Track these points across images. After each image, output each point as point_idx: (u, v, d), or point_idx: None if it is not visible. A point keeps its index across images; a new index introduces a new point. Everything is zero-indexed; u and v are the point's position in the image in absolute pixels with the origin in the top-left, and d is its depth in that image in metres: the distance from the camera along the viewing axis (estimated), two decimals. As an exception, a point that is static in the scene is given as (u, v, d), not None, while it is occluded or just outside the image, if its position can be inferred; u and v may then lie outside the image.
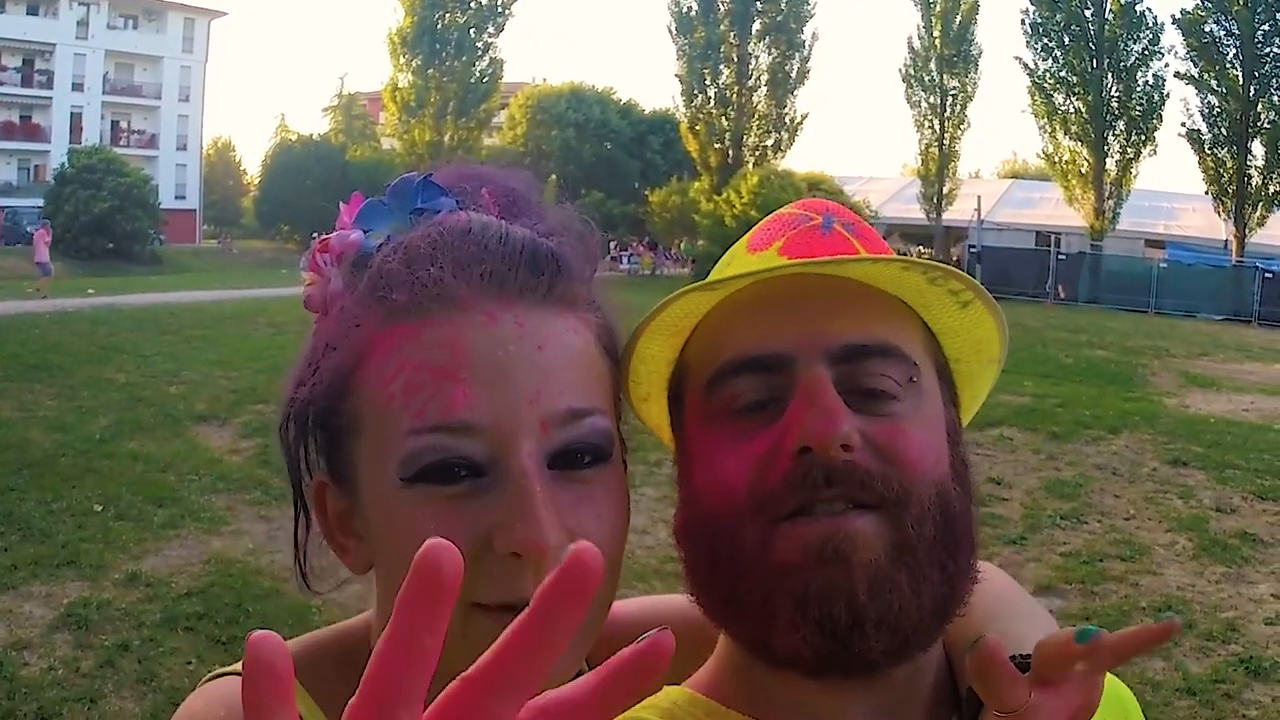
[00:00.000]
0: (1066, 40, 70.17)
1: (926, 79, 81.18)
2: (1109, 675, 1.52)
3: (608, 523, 1.50)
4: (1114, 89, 69.47)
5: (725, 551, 1.43)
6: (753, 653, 1.47)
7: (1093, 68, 69.43)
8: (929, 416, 1.46)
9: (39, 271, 46.87)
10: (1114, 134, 69.53)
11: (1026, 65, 72.29)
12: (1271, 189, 64.00)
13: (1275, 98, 64.00)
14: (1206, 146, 65.97)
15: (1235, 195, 64.65)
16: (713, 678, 1.58)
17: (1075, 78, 69.99)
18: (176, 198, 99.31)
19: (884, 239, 1.63)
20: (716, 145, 79.62)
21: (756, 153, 79.98)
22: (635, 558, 12.03)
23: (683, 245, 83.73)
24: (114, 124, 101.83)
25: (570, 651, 1.44)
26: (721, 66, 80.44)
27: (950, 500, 1.43)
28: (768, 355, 1.43)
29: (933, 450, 1.44)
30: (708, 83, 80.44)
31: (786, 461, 1.38)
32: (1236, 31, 63.96)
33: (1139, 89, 69.32)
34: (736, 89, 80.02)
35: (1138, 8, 68.98)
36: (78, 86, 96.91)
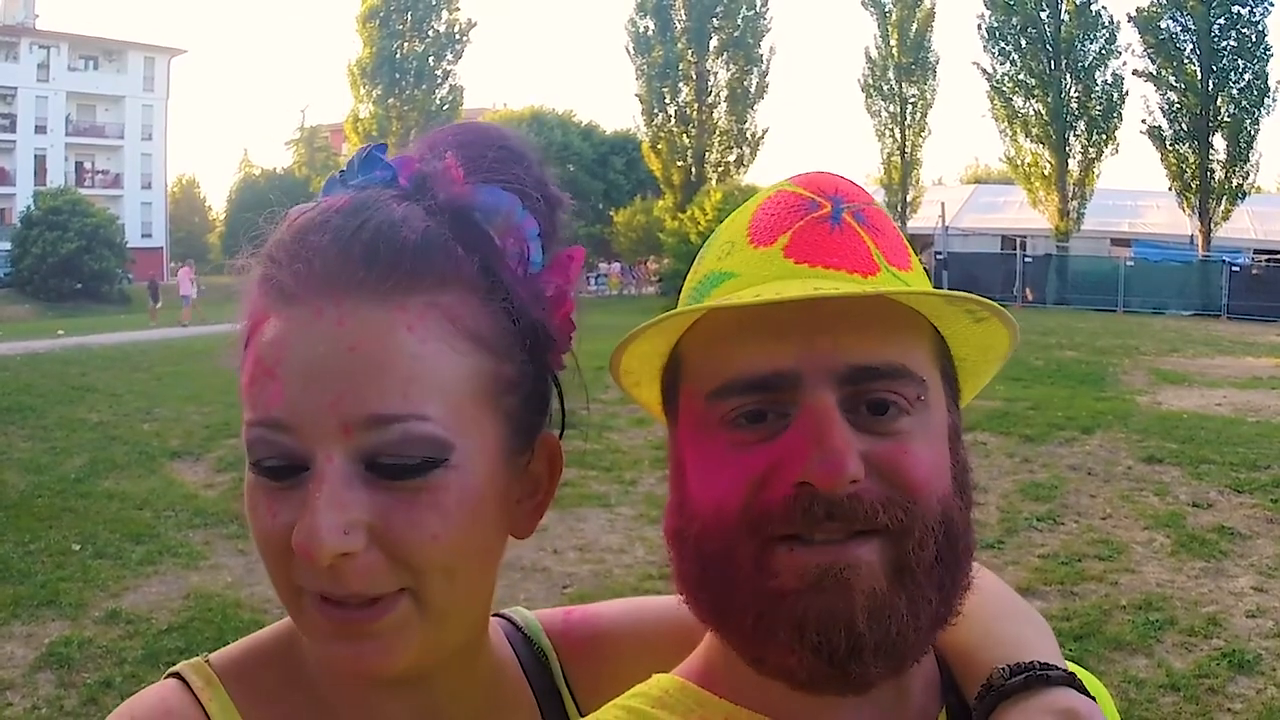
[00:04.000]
0: (1023, 43, 70.58)
1: (885, 88, 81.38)
2: (1088, 676, 1.55)
3: (425, 529, 1.43)
4: (1073, 90, 69.88)
5: (717, 566, 1.39)
6: (743, 659, 1.43)
7: (1051, 69, 69.79)
8: (933, 431, 1.42)
9: (182, 303, 54.67)
10: (1075, 134, 69.90)
11: (985, 70, 72.70)
12: (1234, 182, 64.51)
13: (1234, 91, 64.55)
14: (1168, 143, 66.32)
15: (1199, 190, 65.03)
16: (703, 666, 1.55)
17: (1034, 80, 70.37)
18: (143, 236, 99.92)
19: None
20: (679, 163, 79.95)
21: (719, 169, 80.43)
22: (614, 576, 12.15)
23: (649, 263, 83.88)
24: (78, 165, 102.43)
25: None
26: (681, 84, 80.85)
27: (953, 516, 1.39)
28: (773, 374, 1.37)
29: (938, 467, 1.40)
30: (668, 101, 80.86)
31: (785, 489, 1.33)
32: (1192, 27, 64.44)
33: (1098, 88, 69.68)
34: (696, 106, 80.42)
35: (1093, 7, 69.44)
36: (41, 129, 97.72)
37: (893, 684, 1.42)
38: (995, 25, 71.44)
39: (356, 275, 1.43)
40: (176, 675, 1.62)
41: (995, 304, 1.45)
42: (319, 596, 1.43)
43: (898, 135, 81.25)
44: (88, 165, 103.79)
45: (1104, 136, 69.64)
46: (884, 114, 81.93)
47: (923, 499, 1.35)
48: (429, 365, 1.45)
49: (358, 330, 1.41)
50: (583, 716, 1.70)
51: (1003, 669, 1.46)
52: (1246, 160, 64.52)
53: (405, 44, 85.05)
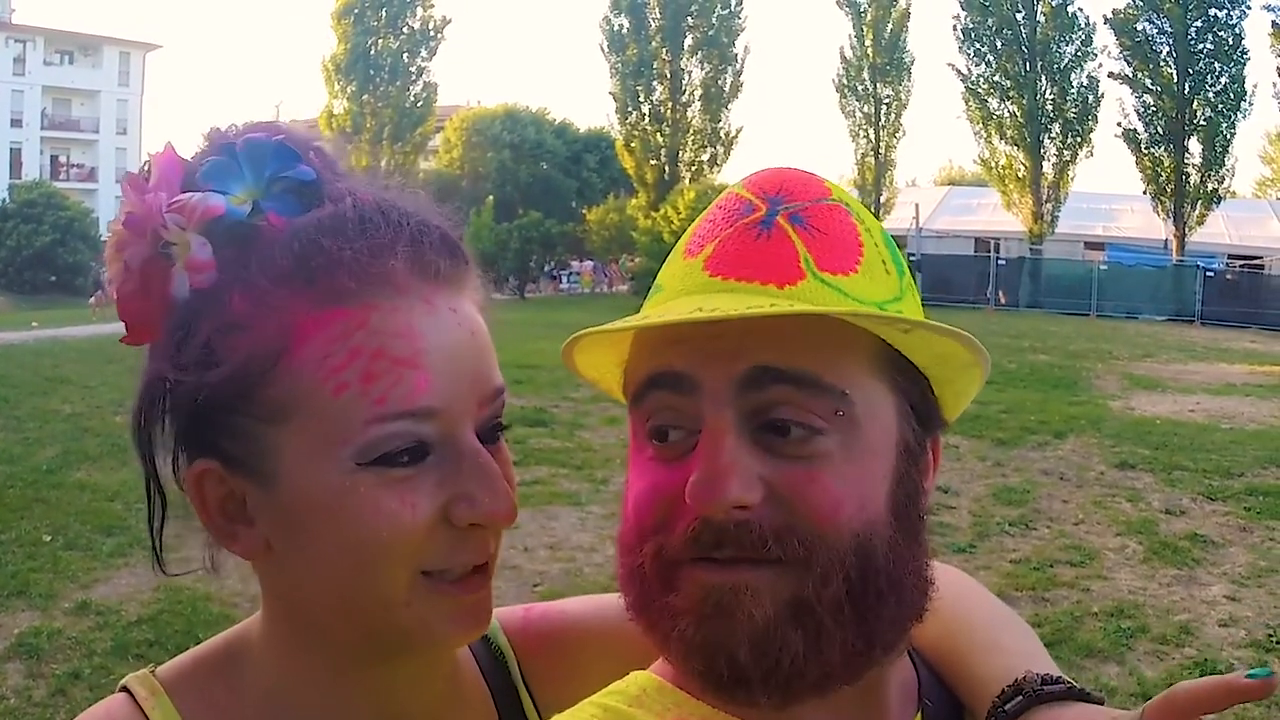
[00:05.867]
0: (999, 44, 70.81)
1: (860, 88, 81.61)
2: None
3: (512, 488, 1.57)
4: (1048, 92, 70.11)
5: (633, 578, 1.41)
6: None
7: (1026, 71, 70.03)
8: (862, 450, 1.34)
9: None
10: (1050, 137, 70.14)
11: (960, 71, 72.94)
12: (1209, 186, 64.86)
13: (1210, 94, 64.88)
14: (1143, 146, 66.66)
15: (1174, 194, 65.34)
16: None
17: (1009, 82, 70.58)
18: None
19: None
20: (652, 162, 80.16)
21: (692, 168, 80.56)
22: (584, 575, 12.21)
23: (620, 262, 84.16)
24: (53, 158, 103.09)
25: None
26: (655, 83, 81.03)
27: (874, 550, 1.33)
28: (671, 372, 1.35)
29: (856, 496, 1.33)
30: (641, 100, 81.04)
31: (689, 513, 1.32)
32: (1169, 29, 64.72)
33: (1073, 91, 69.96)
34: (670, 105, 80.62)
35: (1069, 9, 69.70)
36: (16, 122, 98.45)
37: (864, 690, 1.40)
38: (970, 26, 71.69)
39: (447, 268, 1.56)
40: (125, 689, 1.63)
41: (911, 317, 1.35)
42: (439, 577, 1.52)
43: (872, 136, 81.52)
44: (63, 159, 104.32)
45: (1079, 139, 69.95)
46: (858, 114, 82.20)
47: (829, 531, 1.30)
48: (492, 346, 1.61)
49: (467, 317, 1.55)
50: (540, 713, 1.83)
51: (1007, 687, 1.45)
52: (1222, 164, 64.92)
53: (380, 40, 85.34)
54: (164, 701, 1.60)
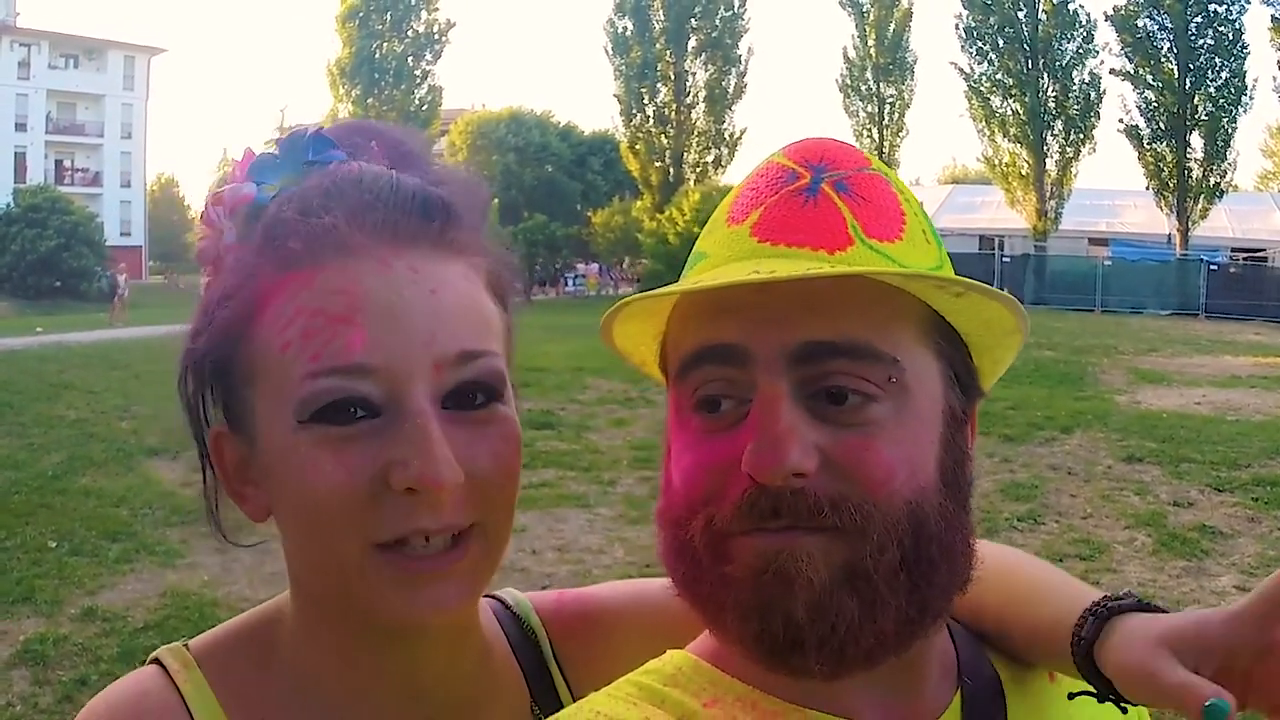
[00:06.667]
0: (1001, 43, 70.62)
1: (863, 88, 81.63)
2: None
3: (503, 459, 1.55)
4: (1050, 89, 69.94)
5: (681, 550, 1.39)
6: None
7: (1028, 69, 69.88)
8: (912, 416, 1.34)
9: None
10: (1052, 134, 70.01)
11: (962, 70, 72.75)
12: (1212, 181, 64.73)
13: (1211, 89, 64.79)
14: (1145, 142, 66.49)
15: (1176, 189, 65.20)
16: (718, 645, 1.50)
17: (1011, 80, 70.43)
18: (122, 234, 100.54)
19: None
20: (657, 164, 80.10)
21: (697, 170, 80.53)
22: (593, 576, 12.03)
23: (625, 264, 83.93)
24: (58, 163, 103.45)
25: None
26: (659, 85, 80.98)
27: (926, 517, 1.32)
28: (723, 345, 1.34)
29: (908, 463, 1.32)
30: (646, 102, 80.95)
31: (742, 482, 1.30)
32: (1169, 25, 64.64)
33: (1075, 88, 69.83)
34: (675, 107, 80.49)
35: (1070, 6, 69.58)
36: (21, 126, 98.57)
37: (904, 666, 1.39)
38: (973, 25, 71.50)
39: (417, 229, 1.53)
40: (156, 661, 1.65)
41: (963, 278, 1.35)
42: (392, 547, 1.48)
43: (875, 135, 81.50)
44: (67, 163, 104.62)
45: (1081, 136, 69.79)
46: (862, 114, 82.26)
47: (883, 499, 1.29)
48: (486, 312, 1.58)
49: (431, 277, 1.50)
50: (572, 693, 1.80)
51: (1085, 611, 1.44)
52: (1224, 159, 64.83)
53: (384, 44, 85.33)
54: (195, 675, 1.63)
